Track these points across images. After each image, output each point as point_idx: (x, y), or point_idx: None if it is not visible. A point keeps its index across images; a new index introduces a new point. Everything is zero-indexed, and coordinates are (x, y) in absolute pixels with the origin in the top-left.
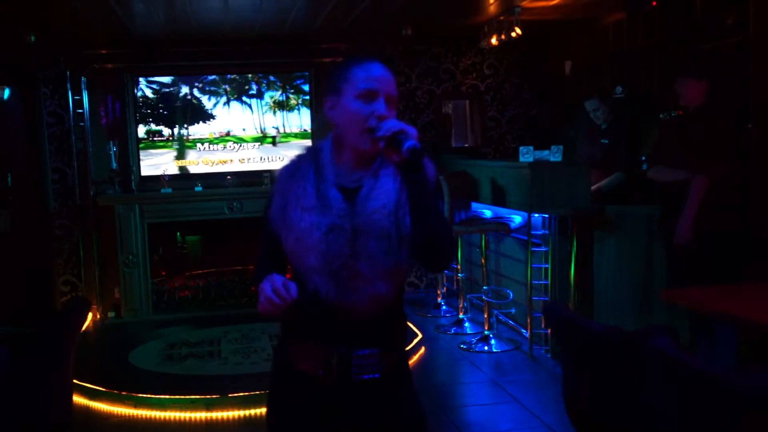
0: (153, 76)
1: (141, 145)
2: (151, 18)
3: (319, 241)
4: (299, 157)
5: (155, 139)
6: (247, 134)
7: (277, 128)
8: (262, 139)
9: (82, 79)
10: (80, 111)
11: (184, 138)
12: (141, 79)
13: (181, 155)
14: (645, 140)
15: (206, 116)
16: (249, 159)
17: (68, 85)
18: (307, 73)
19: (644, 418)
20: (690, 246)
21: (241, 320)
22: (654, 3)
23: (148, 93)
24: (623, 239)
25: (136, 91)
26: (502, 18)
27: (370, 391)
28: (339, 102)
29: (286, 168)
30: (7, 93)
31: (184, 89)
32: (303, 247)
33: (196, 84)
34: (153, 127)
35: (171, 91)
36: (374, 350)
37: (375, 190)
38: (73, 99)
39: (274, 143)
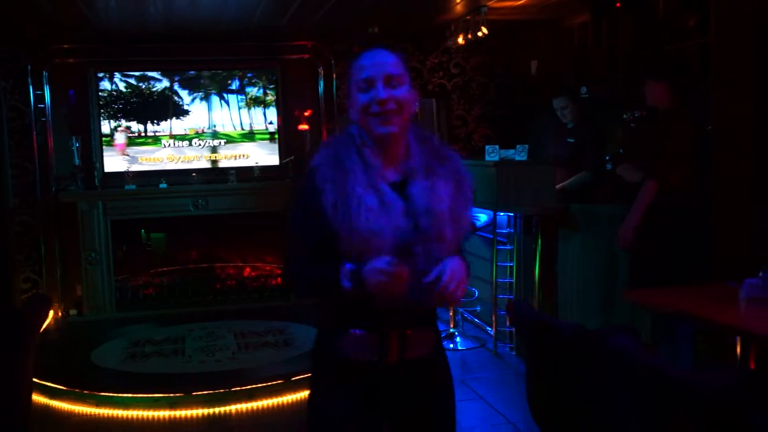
0: (117, 71)
1: (106, 141)
2: (116, 12)
3: (384, 242)
4: (335, 147)
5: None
6: (219, 131)
7: (249, 125)
8: (228, 137)
9: (44, 73)
10: (41, 106)
11: (153, 134)
12: (116, 73)
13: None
14: (608, 140)
15: (177, 112)
16: (215, 156)
17: (29, 80)
18: (274, 71)
19: (606, 416)
20: (636, 249)
21: (206, 318)
22: (618, 5)
23: (121, 87)
24: (587, 238)
25: (104, 85)
26: (468, 17)
27: (420, 370)
28: (350, 101)
29: (325, 158)
30: None
31: (158, 85)
32: (368, 247)
33: (175, 79)
34: (123, 122)
35: (142, 86)
36: (424, 329)
37: (429, 190)
38: (34, 94)
39: (248, 140)
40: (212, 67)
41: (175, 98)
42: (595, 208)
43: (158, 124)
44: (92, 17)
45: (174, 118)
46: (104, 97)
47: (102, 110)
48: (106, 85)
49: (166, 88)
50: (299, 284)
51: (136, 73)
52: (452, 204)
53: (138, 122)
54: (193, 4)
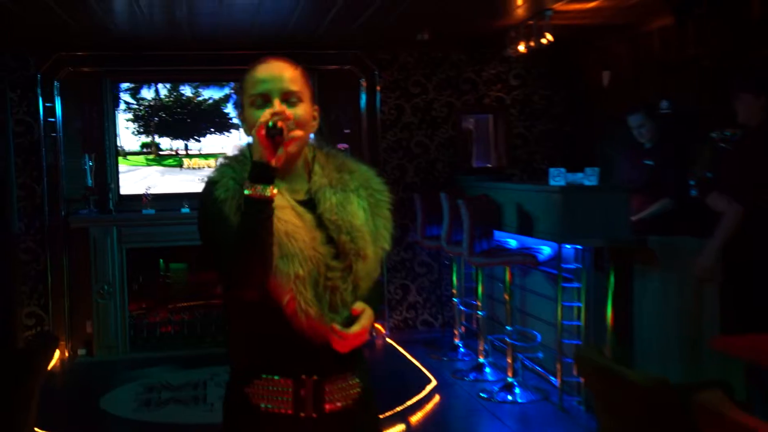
0: (136, 82)
1: (129, 159)
2: (138, 16)
3: (301, 246)
4: (230, 166)
5: (147, 151)
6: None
7: None
8: None
9: (55, 83)
10: (52, 120)
11: (174, 152)
12: (149, 85)
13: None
14: (693, 163)
15: (203, 129)
16: None
17: (39, 90)
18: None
19: None
20: (724, 286)
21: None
22: (704, 7)
23: (148, 97)
24: (669, 276)
25: (121, 97)
26: (531, 22)
27: (341, 423)
28: (243, 116)
29: (222, 174)
30: None
31: (182, 96)
32: (285, 251)
33: (197, 92)
34: (147, 139)
35: (167, 99)
36: (345, 376)
37: (341, 206)
38: (44, 106)
39: None
40: (241, 78)
41: (208, 112)
42: (678, 240)
43: (189, 140)
44: (110, 23)
45: (200, 136)
46: (137, 109)
47: (133, 124)
48: (144, 94)
49: (191, 100)
50: (237, 259)
51: (167, 84)
52: (368, 218)
53: (173, 138)
54: (222, 6)
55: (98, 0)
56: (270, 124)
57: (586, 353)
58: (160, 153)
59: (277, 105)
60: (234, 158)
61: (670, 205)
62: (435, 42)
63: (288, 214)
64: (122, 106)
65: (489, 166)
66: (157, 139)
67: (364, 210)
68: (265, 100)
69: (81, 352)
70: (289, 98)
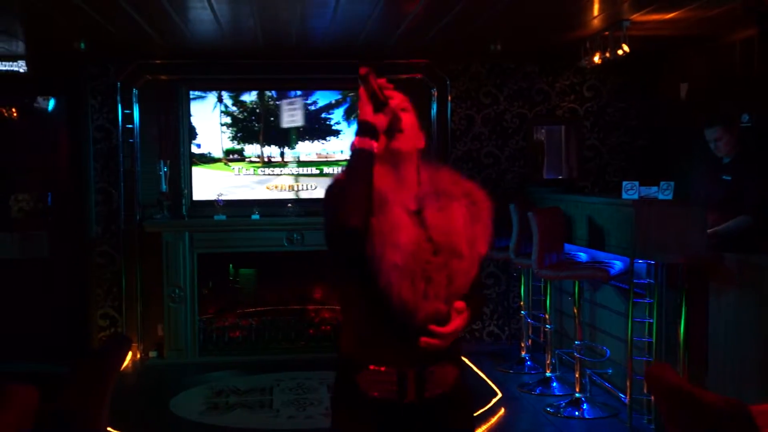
0: (208, 90)
1: (228, 166)
2: (212, 24)
3: (402, 239)
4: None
5: (233, 158)
6: (318, 159)
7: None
8: (328, 164)
9: (134, 91)
10: (130, 126)
11: (258, 158)
12: (224, 93)
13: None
14: None
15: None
16: (312, 186)
17: (118, 98)
18: None
19: None
20: None
21: (296, 367)
22: None
23: (231, 108)
24: (747, 294)
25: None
26: (607, 33)
27: (440, 407)
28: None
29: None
30: (52, 104)
31: (265, 105)
32: (388, 240)
33: (276, 101)
34: (234, 145)
35: (253, 107)
36: (443, 365)
37: (442, 211)
38: (122, 113)
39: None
40: (311, 87)
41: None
42: (757, 258)
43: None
44: (188, 32)
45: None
46: (231, 116)
47: (225, 130)
48: (223, 104)
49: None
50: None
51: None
52: (466, 224)
53: (263, 145)
54: (297, 19)
55: (179, 12)
56: (366, 74)
57: (657, 371)
58: (252, 160)
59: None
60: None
61: (749, 222)
62: (507, 53)
63: (398, 209)
64: (218, 109)
65: (560, 177)
66: (251, 145)
67: (463, 216)
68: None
69: (152, 354)
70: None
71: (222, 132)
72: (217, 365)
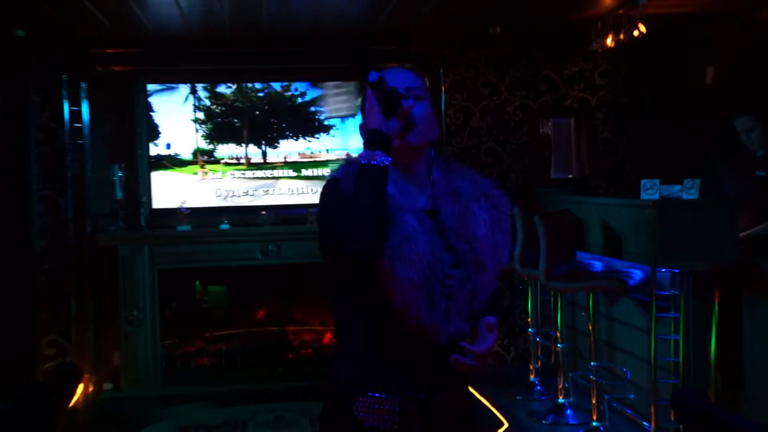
0: (171, 82)
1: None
2: (173, 8)
3: (419, 253)
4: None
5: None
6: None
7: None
8: (304, 165)
9: (82, 85)
10: (78, 125)
11: (235, 160)
12: (197, 85)
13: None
14: None
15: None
16: (290, 190)
17: (64, 93)
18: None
19: None
20: None
21: (273, 398)
22: None
23: (206, 102)
24: None
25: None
26: (621, 12)
27: None
28: (368, 120)
29: (347, 173)
30: None
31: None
32: (401, 255)
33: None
34: (207, 146)
35: (233, 100)
36: (451, 394)
37: (462, 215)
38: (70, 110)
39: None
40: (287, 78)
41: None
42: None
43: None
44: (144, 18)
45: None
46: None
47: (198, 128)
48: (197, 98)
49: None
50: (357, 229)
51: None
52: (488, 231)
53: (246, 144)
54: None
55: None
56: (380, 79)
57: (685, 395)
58: (228, 162)
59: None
60: (357, 160)
61: None
62: (508, 36)
63: (409, 217)
64: (191, 103)
65: (570, 177)
66: (227, 145)
67: (484, 222)
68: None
69: (107, 386)
70: (410, 92)
71: (196, 130)
72: (183, 397)
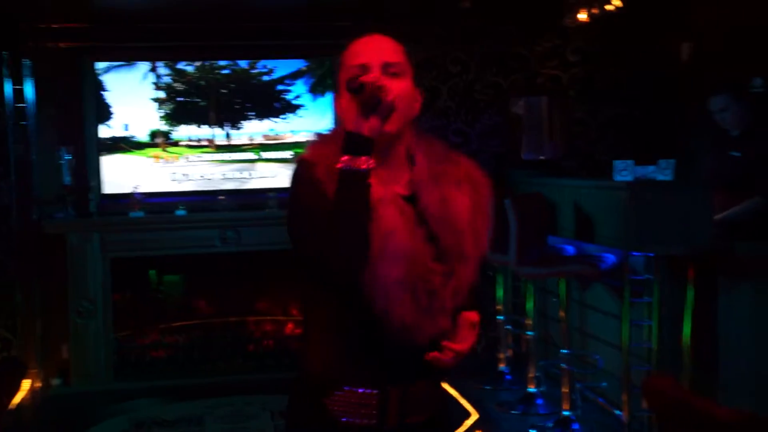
0: (123, 59)
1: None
2: None
3: (401, 246)
4: (329, 144)
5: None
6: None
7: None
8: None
9: (25, 62)
10: (21, 105)
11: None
12: (159, 64)
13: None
14: None
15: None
16: (250, 174)
17: (4, 71)
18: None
19: None
20: None
21: (233, 391)
22: None
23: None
24: (763, 289)
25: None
26: None
27: None
28: (339, 96)
29: (320, 156)
30: None
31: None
32: (383, 251)
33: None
34: (165, 127)
35: (197, 78)
36: (430, 386)
37: (444, 202)
38: (13, 89)
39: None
40: (248, 56)
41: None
42: None
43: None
44: None
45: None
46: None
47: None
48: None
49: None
50: (330, 244)
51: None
52: (471, 217)
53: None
54: None
55: None
56: (360, 85)
57: (658, 383)
58: (191, 144)
59: (377, 72)
60: (331, 137)
61: (762, 205)
62: (477, 10)
63: (389, 209)
64: (149, 82)
65: (542, 158)
66: (188, 126)
67: (467, 208)
68: (364, 72)
69: (55, 381)
70: (389, 69)
71: (156, 110)
72: (137, 392)
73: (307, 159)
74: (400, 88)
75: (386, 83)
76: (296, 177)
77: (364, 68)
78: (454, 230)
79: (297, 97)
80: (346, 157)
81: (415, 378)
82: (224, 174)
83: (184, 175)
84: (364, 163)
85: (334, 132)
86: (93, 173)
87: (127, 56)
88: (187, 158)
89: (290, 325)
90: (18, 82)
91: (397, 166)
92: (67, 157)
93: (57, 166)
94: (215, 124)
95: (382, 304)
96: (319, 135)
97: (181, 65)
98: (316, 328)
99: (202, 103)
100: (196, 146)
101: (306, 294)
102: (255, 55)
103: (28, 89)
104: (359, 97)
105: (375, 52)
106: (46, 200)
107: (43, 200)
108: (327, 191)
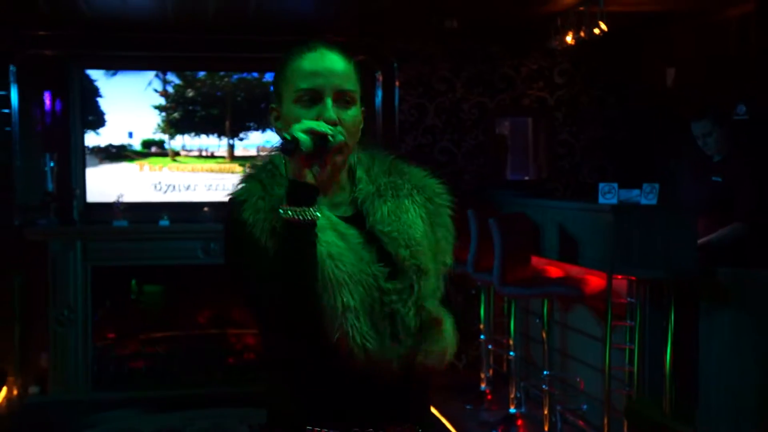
0: (110, 68)
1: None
2: None
3: (350, 276)
4: (258, 178)
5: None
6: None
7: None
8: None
9: (11, 68)
10: (6, 111)
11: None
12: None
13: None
14: None
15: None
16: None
17: None
18: None
19: None
20: None
21: (212, 403)
22: None
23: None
24: (743, 315)
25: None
26: (582, 9)
27: None
28: (281, 110)
29: (249, 191)
30: None
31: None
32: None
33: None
34: (163, 137)
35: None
36: (403, 425)
37: (394, 215)
38: None
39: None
40: (230, 68)
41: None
42: (755, 274)
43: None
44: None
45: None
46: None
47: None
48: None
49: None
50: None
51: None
52: (427, 228)
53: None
54: None
55: None
56: (330, 139)
57: (639, 406)
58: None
59: (329, 98)
60: (262, 169)
61: (744, 231)
62: (465, 30)
63: (329, 235)
64: (148, 89)
65: (526, 179)
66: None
67: (421, 219)
68: (315, 98)
69: (33, 390)
70: (342, 98)
71: (160, 118)
72: (116, 402)
73: (237, 198)
74: (351, 118)
75: (337, 116)
76: (226, 219)
77: (315, 94)
78: (408, 244)
79: None
80: (289, 208)
81: (387, 419)
82: (209, 185)
83: (167, 185)
84: (309, 213)
85: (267, 158)
86: (77, 181)
87: (115, 64)
88: (177, 167)
89: None
90: (3, 87)
91: (336, 189)
92: (51, 164)
93: (41, 173)
94: (213, 134)
95: (338, 335)
96: (252, 165)
97: (169, 76)
98: (276, 367)
99: (214, 112)
100: (202, 156)
101: (262, 332)
102: (252, 68)
103: (14, 95)
104: (301, 152)
105: (329, 77)
106: (29, 207)
107: (26, 207)
108: (255, 235)
